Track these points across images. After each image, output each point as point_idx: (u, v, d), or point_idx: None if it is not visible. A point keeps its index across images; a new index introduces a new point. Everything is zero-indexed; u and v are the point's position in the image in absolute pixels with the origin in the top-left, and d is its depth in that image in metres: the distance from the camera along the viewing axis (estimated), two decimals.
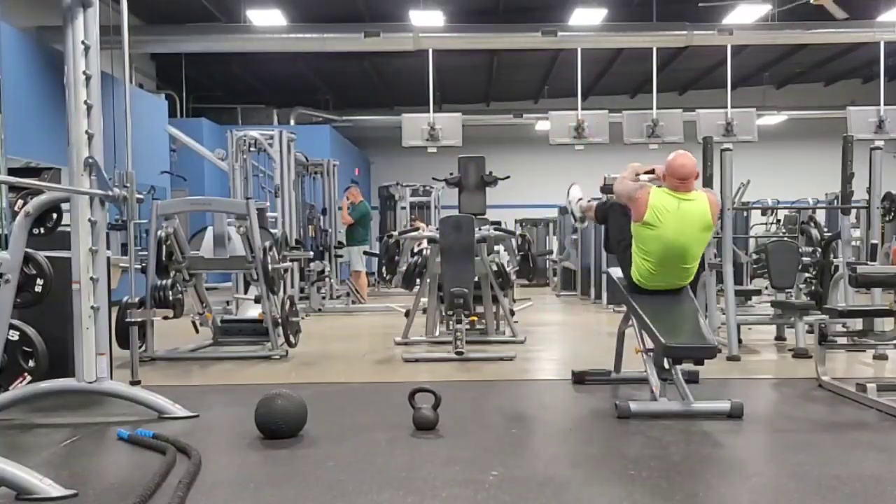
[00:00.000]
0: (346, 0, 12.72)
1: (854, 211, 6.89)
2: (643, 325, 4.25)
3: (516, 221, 15.74)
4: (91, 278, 3.93)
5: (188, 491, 2.82)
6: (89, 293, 3.93)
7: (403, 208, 15.03)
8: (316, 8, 12.69)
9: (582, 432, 3.93)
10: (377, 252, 8.79)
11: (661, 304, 4.35)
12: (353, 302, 10.58)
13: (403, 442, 3.57)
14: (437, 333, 7.01)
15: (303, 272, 9.68)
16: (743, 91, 17.01)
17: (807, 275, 7.11)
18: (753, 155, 13.18)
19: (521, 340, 6.86)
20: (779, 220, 13.25)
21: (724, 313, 6.20)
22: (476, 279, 6.71)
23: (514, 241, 7.25)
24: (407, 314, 7.03)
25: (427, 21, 11.79)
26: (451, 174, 8.42)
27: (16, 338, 4.09)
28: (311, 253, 10.45)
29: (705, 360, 4.13)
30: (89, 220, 3.95)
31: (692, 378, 4.61)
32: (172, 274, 6.07)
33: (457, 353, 5.85)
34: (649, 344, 4.22)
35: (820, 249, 7.08)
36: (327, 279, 10.58)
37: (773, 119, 17.68)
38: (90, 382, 3.96)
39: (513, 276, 7.31)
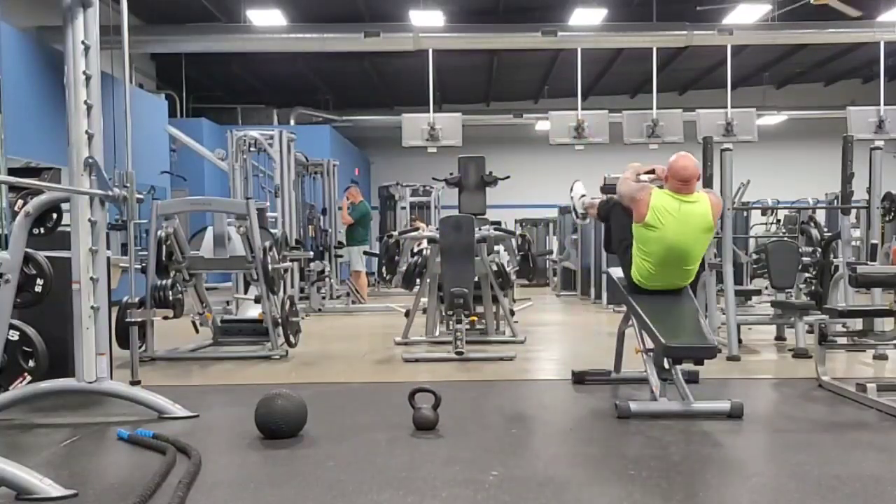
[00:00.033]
0: (346, 0, 12.72)
1: (854, 211, 6.89)
2: (643, 325, 4.25)
3: (516, 221, 15.74)
4: (91, 278, 3.93)
5: (188, 491, 2.82)
6: (89, 293, 3.93)
7: (403, 208, 15.02)
8: (316, 8, 12.69)
9: (582, 432, 3.93)
10: (377, 252, 8.79)
11: (662, 304, 4.35)
12: (353, 302, 10.58)
13: (403, 442, 3.57)
14: (437, 333, 7.01)
15: (303, 272, 9.68)
16: (743, 91, 17.01)
17: (807, 275, 7.11)
18: (753, 155, 13.18)
19: (521, 340, 6.86)
20: (779, 220, 13.25)
21: (724, 313, 6.20)
22: (476, 279, 6.71)
23: (514, 241, 7.25)
24: (407, 314, 7.03)
25: (427, 21, 11.79)
26: (451, 174, 8.43)
27: (16, 338, 4.09)
28: (311, 253, 10.45)
29: (705, 360, 4.12)
30: (89, 220, 3.95)
31: (692, 378, 4.61)
32: (172, 274, 6.07)
33: (457, 353, 5.85)
34: (649, 344, 4.22)
35: (820, 249, 7.08)
36: (327, 279, 10.58)
37: (773, 119, 17.69)
38: (90, 382, 3.96)
39: (513, 276, 7.31)
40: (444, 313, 6.82)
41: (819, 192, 12.19)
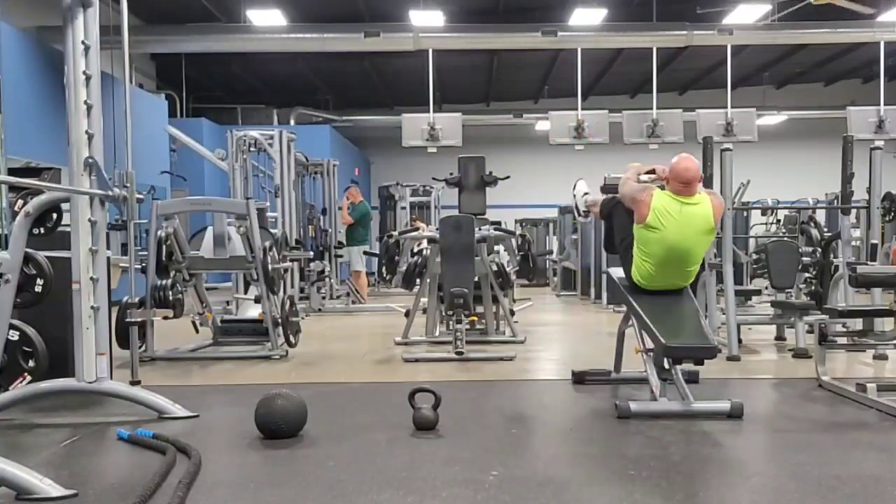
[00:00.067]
0: (346, 0, 12.72)
1: (854, 211, 6.89)
2: (643, 325, 4.25)
3: (516, 221, 15.75)
4: (91, 278, 3.93)
5: (188, 491, 2.82)
6: (89, 293, 3.93)
7: (403, 208, 15.02)
8: (316, 8, 12.69)
9: (582, 432, 3.93)
10: (377, 252, 8.79)
11: (662, 304, 4.35)
12: (353, 302, 10.58)
13: (403, 442, 3.57)
14: (437, 333, 7.01)
15: (303, 272, 9.68)
16: (743, 91, 17.01)
17: (807, 275, 7.11)
18: (753, 155, 13.17)
19: (521, 340, 6.86)
20: (779, 220, 13.25)
21: (724, 313, 6.20)
22: (476, 279, 6.71)
23: (514, 241, 7.25)
24: (407, 314, 7.03)
25: (427, 21, 11.79)
26: (451, 174, 8.42)
27: (16, 338, 4.09)
28: (311, 253, 10.45)
29: (705, 360, 4.13)
30: (89, 220, 3.95)
31: (692, 378, 4.61)
32: (172, 274, 6.07)
33: (457, 353, 5.85)
34: (649, 344, 4.22)
35: (820, 249, 7.08)
36: (327, 279, 10.58)
37: (773, 119, 17.69)
38: (90, 382, 3.96)
39: (513, 276, 7.31)
40: (444, 313, 6.82)
41: (819, 192, 12.20)
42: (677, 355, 4.04)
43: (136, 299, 4.68)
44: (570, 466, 3.32)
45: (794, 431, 3.89)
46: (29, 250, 4.00)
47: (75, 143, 3.89)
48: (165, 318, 5.90)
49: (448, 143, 11.18)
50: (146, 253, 6.19)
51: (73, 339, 3.96)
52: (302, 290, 9.75)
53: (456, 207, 8.26)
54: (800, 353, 5.96)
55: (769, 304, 7.39)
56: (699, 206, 4.34)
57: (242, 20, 11.89)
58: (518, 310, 7.86)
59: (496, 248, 7.47)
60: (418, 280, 6.86)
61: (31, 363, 4.12)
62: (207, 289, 6.78)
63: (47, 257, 4.08)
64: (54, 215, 4.12)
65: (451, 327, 6.18)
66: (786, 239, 9.14)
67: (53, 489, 2.78)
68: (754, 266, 10.27)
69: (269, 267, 6.09)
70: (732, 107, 11.74)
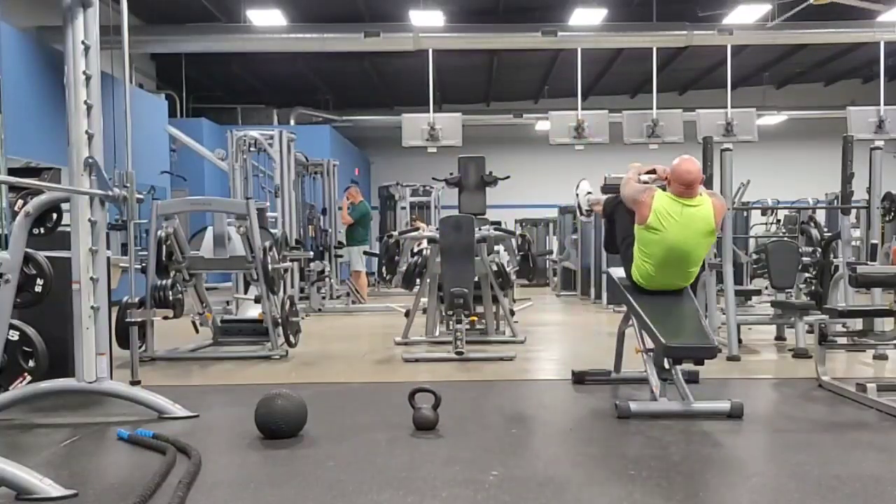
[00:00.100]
0: (346, 0, 12.72)
1: (854, 211, 6.89)
2: (643, 325, 4.25)
3: (516, 221, 15.74)
4: (91, 278, 3.93)
5: (188, 491, 2.82)
6: (89, 293, 3.93)
7: (403, 208, 15.02)
8: (316, 8, 12.69)
9: (582, 432, 3.93)
10: (377, 252, 8.79)
11: (662, 304, 4.35)
12: (353, 302, 10.58)
13: (403, 442, 3.57)
14: (437, 333, 7.01)
15: (303, 272, 9.68)
16: (743, 91, 17.01)
17: (807, 275, 7.11)
18: (753, 155, 13.17)
19: (521, 340, 6.86)
20: (779, 220, 13.25)
21: (724, 313, 6.20)
22: (476, 279, 6.71)
23: (514, 241, 7.25)
24: (407, 314, 7.03)
25: (427, 21, 11.79)
26: (451, 174, 8.42)
27: (16, 338, 4.09)
28: (311, 253, 10.45)
29: (705, 360, 4.12)
30: (89, 220, 3.95)
31: (692, 378, 4.61)
32: (172, 274, 6.07)
33: (457, 353, 5.85)
34: (649, 344, 4.22)
35: (820, 249, 7.08)
36: (327, 279, 10.58)
37: (773, 119, 17.69)
38: (90, 382, 3.96)
39: (513, 276, 7.31)
40: (444, 313, 6.82)
41: (819, 192, 12.20)
42: (677, 355, 4.04)
43: (136, 299, 4.68)
44: (570, 466, 3.32)
45: (794, 431, 3.89)
46: (29, 250, 4.00)
47: (75, 143, 3.89)
48: (165, 318, 5.90)
49: (448, 143, 11.18)
50: (146, 253, 6.19)
51: (73, 339, 3.96)
52: (302, 290, 9.75)
53: (456, 207, 8.26)
54: (800, 353, 5.96)
55: (769, 304, 7.39)
56: (700, 207, 4.34)
57: (242, 20, 11.89)
58: (518, 310, 7.86)
59: (496, 248, 7.47)
60: (418, 280, 6.86)
61: (31, 363, 4.12)
62: (207, 289, 6.78)
63: (47, 257, 4.08)
64: (54, 215, 4.12)
65: (451, 327, 6.18)
66: (786, 239, 9.14)
67: (53, 489, 2.78)
68: (754, 266, 10.27)
69: (269, 267, 6.09)
70: (732, 107, 11.74)
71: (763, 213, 13.39)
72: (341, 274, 11.99)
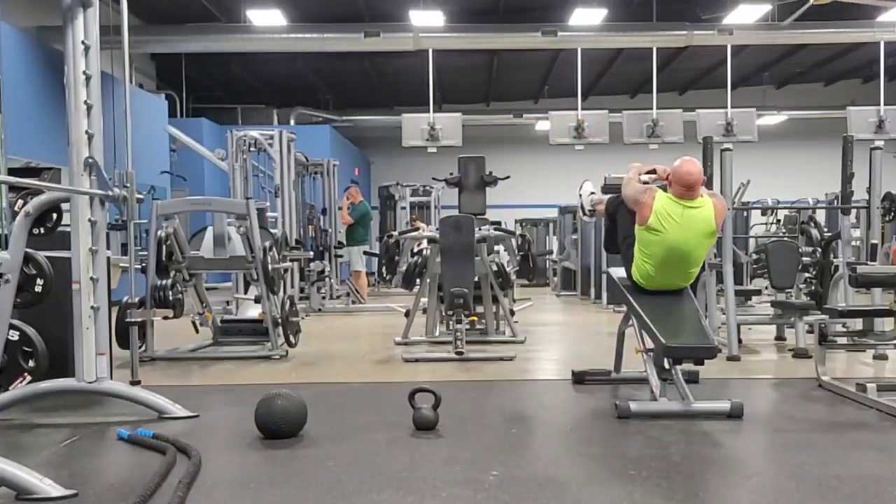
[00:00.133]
0: (346, 0, 12.72)
1: (854, 211, 6.89)
2: (643, 325, 4.25)
3: (516, 221, 15.74)
4: (91, 278, 3.93)
5: (188, 491, 2.82)
6: (89, 293, 3.93)
7: (403, 208, 15.02)
8: (316, 8, 12.69)
9: (582, 432, 3.93)
10: (377, 252, 8.79)
11: (662, 304, 4.35)
12: (353, 302, 10.58)
13: (403, 442, 3.57)
14: (437, 333, 7.01)
15: (303, 272, 9.68)
16: (743, 91, 17.01)
17: (807, 275, 7.11)
18: (753, 155, 13.17)
19: (521, 340, 6.86)
20: (779, 220, 13.25)
21: (724, 313, 6.20)
22: (476, 279, 6.71)
23: (514, 241, 7.25)
24: (407, 314, 7.03)
25: (427, 21, 11.79)
26: (451, 174, 8.42)
27: (16, 338, 4.09)
28: (311, 253, 10.45)
29: (705, 360, 4.12)
30: (89, 220, 3.95)
31: (692, 378, 4.61)
32: (172, 274, 6.07)
33: (457, 353, 5.85)
34: (649, 344, 4.22)
35: (820, 249, 7.08)
36: (327, 279, 10.58)
37: (773, 119, 17.69)
38: (90, 382, 3.96)
39: (513, 276, 7.31)
40: (444, 313, 6.82)
41: (819, 192, 12.19)
42: (677, 355, 4.04)
43: (136, 299, 4.68)
44: (570, 466, 3.32)
45: (794, 431, 3.90)
46: (29, 250, 4.00)
47: (75, 143, 3.89)
48: (165, 318, 5.90)
49: (448, 143, 11.18)
50: (146, 253, 6.19)
51: (73, 339, 3.96)
52: (302, 290, 9.75)
53: (456, 207, 8.26)
54: (800, 353, 5.96)
55: (769, 304, 7.39)
56: (701, 209, 4.33)
57: (242, 20, 11.89)
58: (518, 310, 7.86)
59: (496, 248, 7.47)
60: (418, 280, 6.86)
61: (31, 363, 4.12)
62: (207, 289, 6.78)
63: (47, 257, 4.08)
64: (54, 215, 4.13)
65: (451, 327, 6.18)
66: (786, 239, 9.14)
67: (53, 489, 2.78)
68: (754, 266, 10.27)
69: (269, 267, 6.09)
70: (732, 107, 11.74)
71: (763, 213, 13.39)
72: (341, 274, 11.99)
